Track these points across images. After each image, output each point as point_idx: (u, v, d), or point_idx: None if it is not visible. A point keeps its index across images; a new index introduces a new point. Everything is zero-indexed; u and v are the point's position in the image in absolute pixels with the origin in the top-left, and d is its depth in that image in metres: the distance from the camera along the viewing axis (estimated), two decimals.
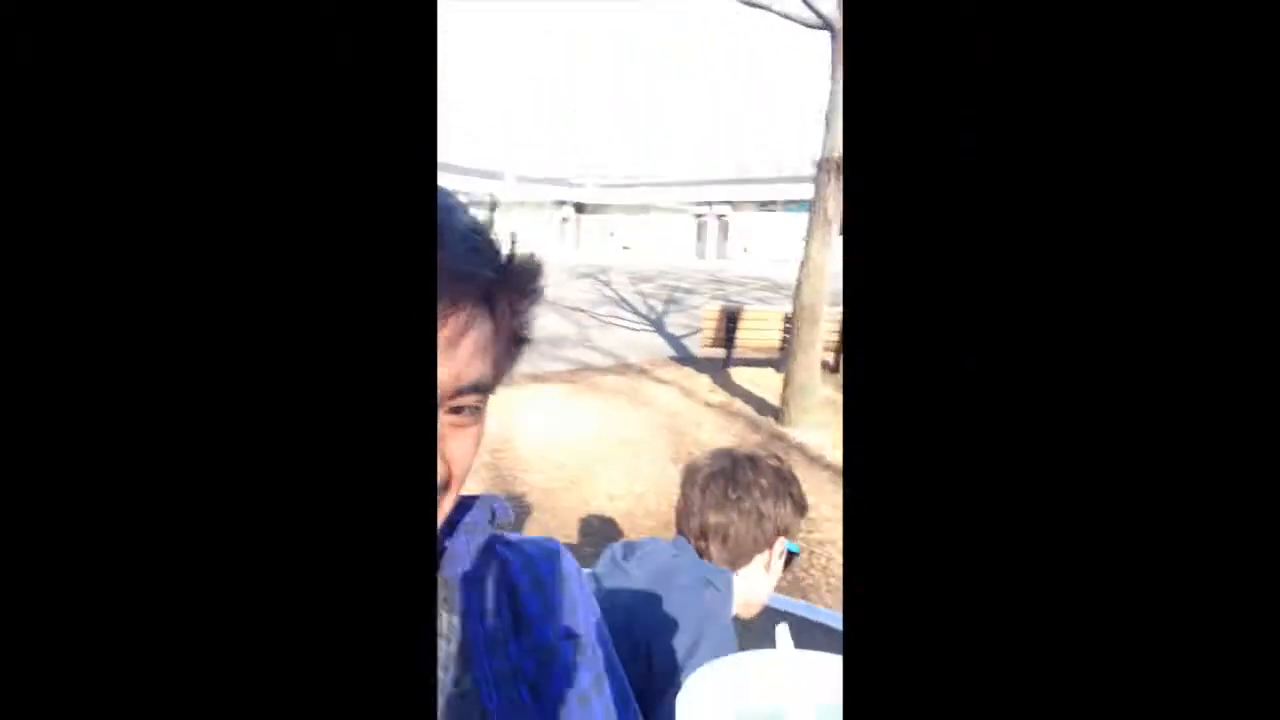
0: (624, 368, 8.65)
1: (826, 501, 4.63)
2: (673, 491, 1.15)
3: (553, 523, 4.13)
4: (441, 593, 0.47)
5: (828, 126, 6.17)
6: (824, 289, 6.23)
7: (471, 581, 0.49)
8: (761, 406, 6.82)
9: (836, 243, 6.15)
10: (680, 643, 0.84)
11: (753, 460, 1.02)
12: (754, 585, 1.02)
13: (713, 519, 0.98)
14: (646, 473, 4.99)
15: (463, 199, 0.39)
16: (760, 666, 0.42)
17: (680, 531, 1.02)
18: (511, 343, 0.42)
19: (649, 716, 0.74)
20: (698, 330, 9.20)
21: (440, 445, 0.37)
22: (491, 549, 0.52)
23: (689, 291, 18.66)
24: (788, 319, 7.24)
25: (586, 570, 0.94)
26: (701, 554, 0.99)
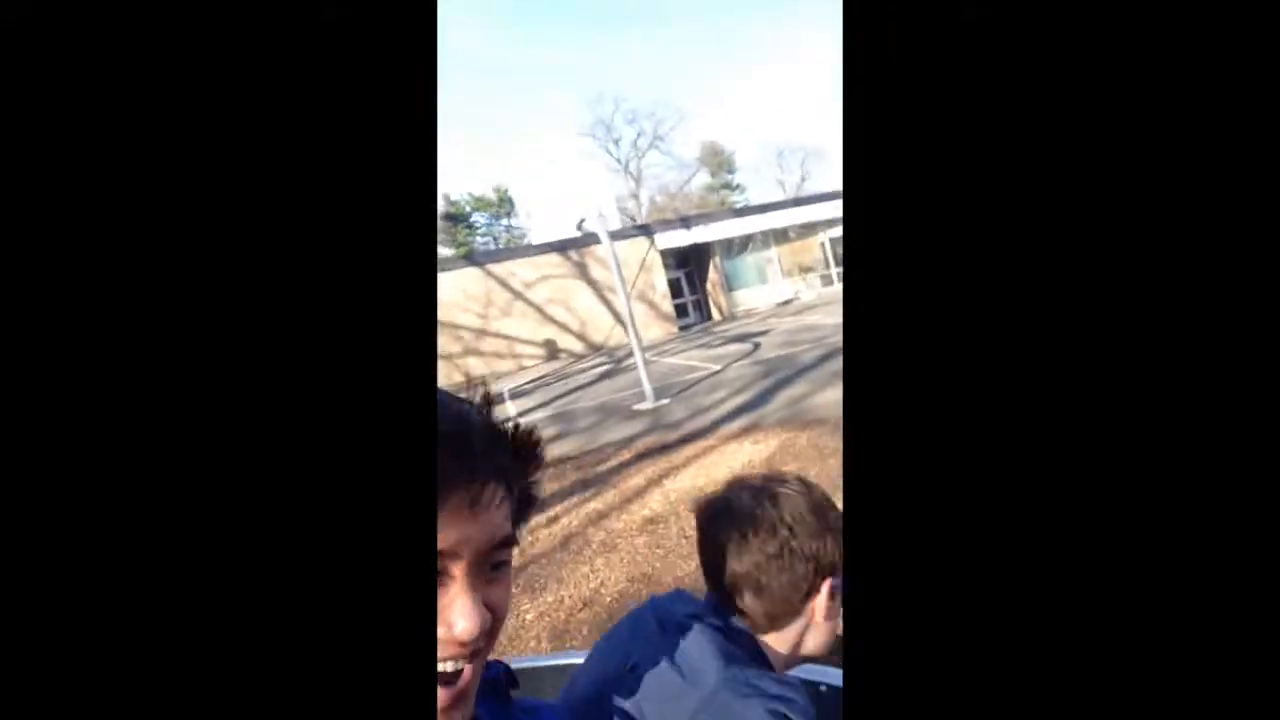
0: None
1: None
2: None
3: None
4: None
5: None
6: None
7: None
8: None
9: None
10: None
11: (772, 495, 0.82)
12: (811, 639, 0.82)
13: (738, 568, 0.79)
14: None
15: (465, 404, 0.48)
16: None
17: (709, 587, 0.84)
18: (525, 503, 0.51)
19: None
20: None
21: (485, 595, 0.44)
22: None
23: None
24: None
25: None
26: (739, 611, 0.81)
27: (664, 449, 5.65)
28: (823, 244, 19.04)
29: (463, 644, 0.42)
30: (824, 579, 0.79)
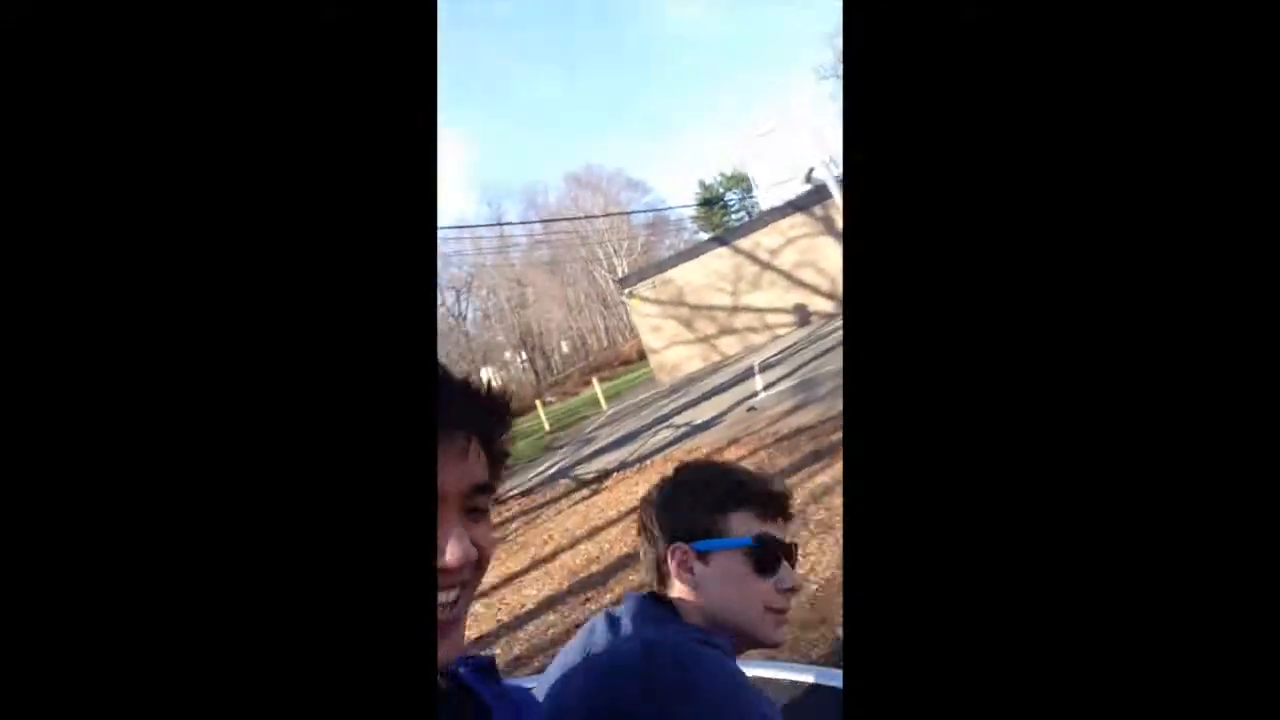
0: None
1: None
2: None
3: None
4: None
5: None
6: None
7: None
8: None
9: None
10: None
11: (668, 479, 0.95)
12: (700, 596, 0.88)
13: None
14: None
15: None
16: None
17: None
18: (499, 456, 0.56)
19: None
20: None
21: (470, 533, 0.49)
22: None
23: None
24: None
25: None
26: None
27: None
28: None
29: (448, 571, 0.46)
30: (668, 545, 0.89)
